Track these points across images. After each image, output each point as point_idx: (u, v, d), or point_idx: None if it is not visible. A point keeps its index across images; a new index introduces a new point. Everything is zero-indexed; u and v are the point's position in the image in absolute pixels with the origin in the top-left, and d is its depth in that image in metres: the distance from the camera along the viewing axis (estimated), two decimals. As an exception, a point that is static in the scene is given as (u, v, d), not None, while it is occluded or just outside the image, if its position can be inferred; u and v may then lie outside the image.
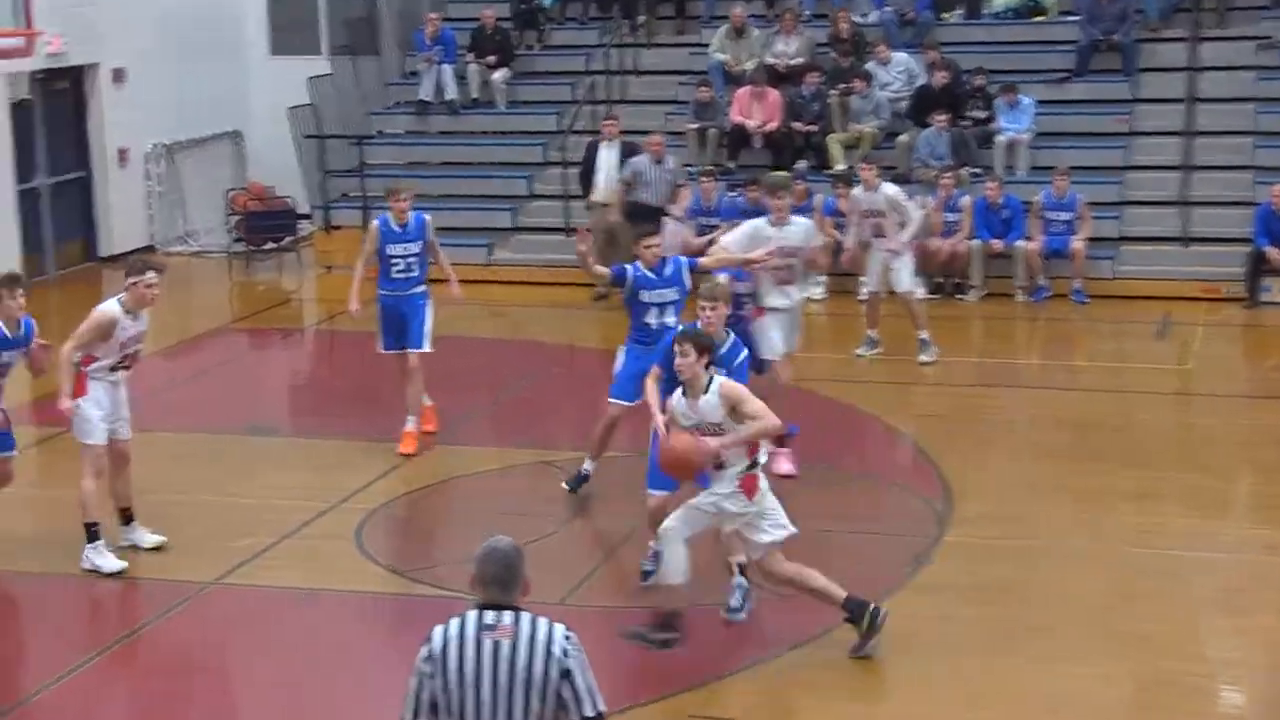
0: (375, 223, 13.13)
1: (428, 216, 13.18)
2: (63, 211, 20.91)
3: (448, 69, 21.66)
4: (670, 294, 11.36)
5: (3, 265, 19.65)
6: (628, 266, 11.41)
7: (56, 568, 10.58)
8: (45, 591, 10.43)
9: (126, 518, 10.89)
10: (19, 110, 19.80)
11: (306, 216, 21.67)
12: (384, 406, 13.56)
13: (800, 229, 12.35)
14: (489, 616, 5.63)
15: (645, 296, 11.34)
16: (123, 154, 21.58)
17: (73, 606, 10.30)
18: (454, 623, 5.65)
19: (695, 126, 19.97)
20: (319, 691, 8.96)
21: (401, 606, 10.17)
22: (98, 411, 10.44)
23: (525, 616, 5.64)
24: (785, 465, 11.98)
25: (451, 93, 21.67)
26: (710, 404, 8.85)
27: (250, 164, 23.53)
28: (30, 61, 19.57)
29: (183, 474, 12.53)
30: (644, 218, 15.98)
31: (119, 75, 21.40)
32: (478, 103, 21.91)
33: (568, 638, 5.65)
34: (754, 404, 8.81)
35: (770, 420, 8.78)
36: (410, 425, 12.92)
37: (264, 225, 21.44)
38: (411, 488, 12.26)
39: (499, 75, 21.79)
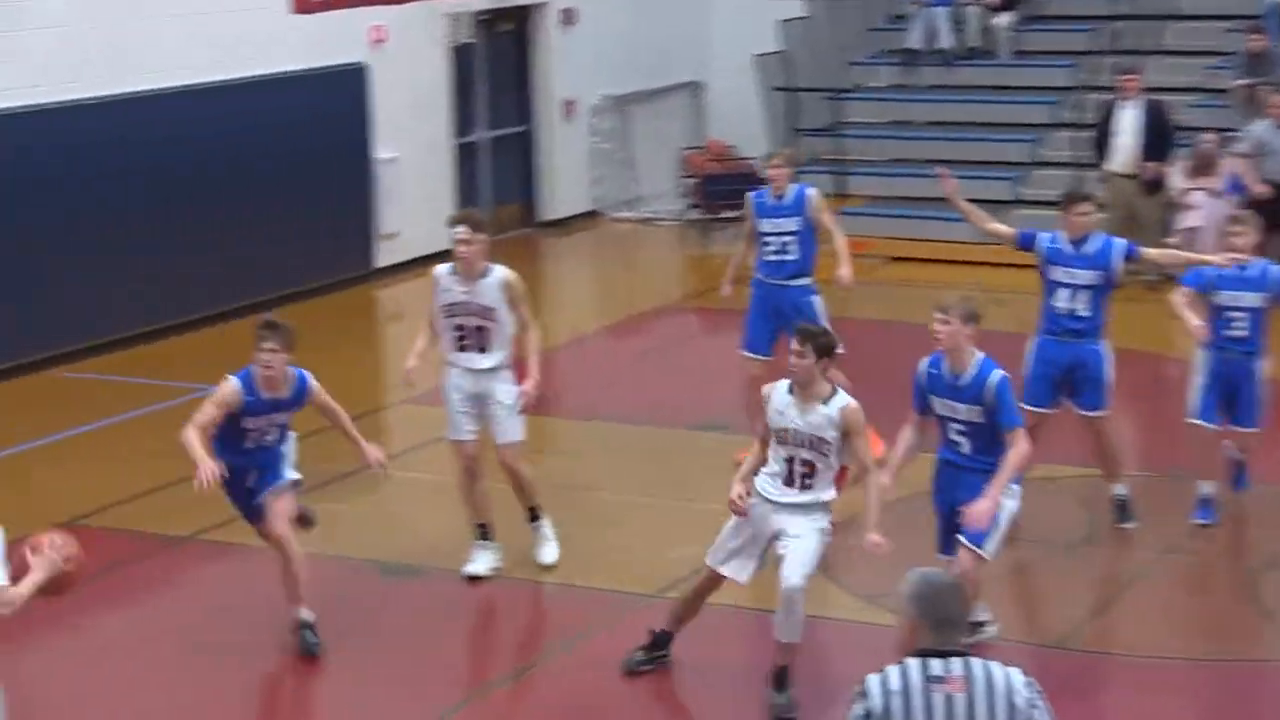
0: (750, 194, 12.74)
1: (812, 190, 12.52)
2: (501, 170, 21.55)
3: (942, 12, 21.37)
4: (1088, 277, 11.01)
5: (440, 227, 20.51)
6: (1043, 234, 11.19)
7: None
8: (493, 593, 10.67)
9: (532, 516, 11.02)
10: (460, 54, 20.48)
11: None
12: (859, 398, 13.35)
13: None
14: (935, 666, 5.39)
15: (1055, 274, 11.08)
16: (569, 106, 22.09)
17: (509, 609, 10.52)
18: (893, 674, 5.42)
19: (1244, 83, 19.06)
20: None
21: (862, 637, 9.93)
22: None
23: (976, 663, 5.41)
24: None
25: (945, 40, 21.37)
26: (825, 418, 8.74)
27: (709, 120, 23.73)
28: (474, 0, 20.25)
29: (619, 470, 12.63)
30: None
31: (568, 16, 21.89)
32: (975, 52, 21.55)
33: (1029, 684, 5.42)
34: (865, 441, 8.83)
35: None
36: None
37: (723, 190, 21.55)
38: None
39: (1004, 20, 21.37)
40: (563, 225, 21.69)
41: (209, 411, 9.42)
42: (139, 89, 16.42)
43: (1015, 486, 9.14)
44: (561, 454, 13.53)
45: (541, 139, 21.98)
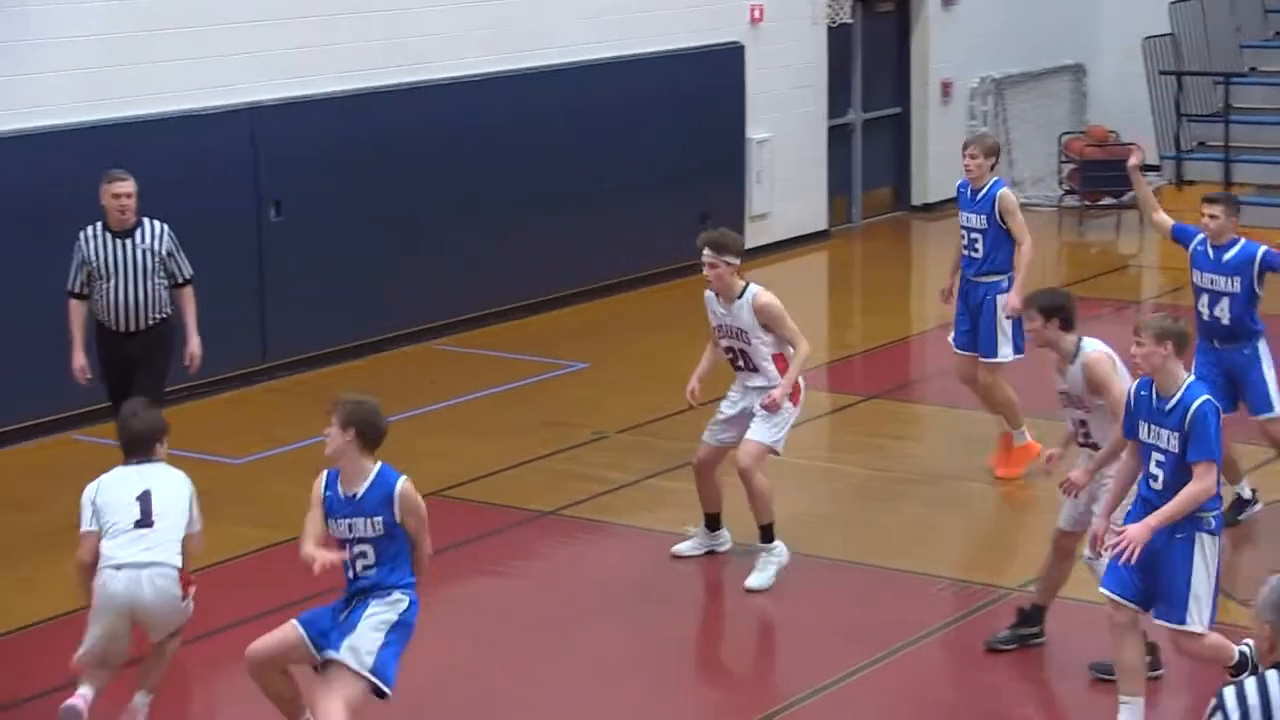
0: (957, 184, 12.41)
1: (1004, 189, 12.06)
2: (875, 152, 21.49)
3: (1344, -6, 20.61)
4: (1225, 284, 10.82)
5: (810, 209, 20.75)
6: (1198, 234, 10.96)
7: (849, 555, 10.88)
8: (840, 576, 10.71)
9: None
10: (836, 34, 20.48)
11: (1155, 168, 21.20)
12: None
13: None
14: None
15: (1197, 279, 10.95)
16: (946, 88, 21.91)
17: (863, 595, 10.53)
18: (1250, 686, 5.24)
19: None
20: None
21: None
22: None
23: None
24: None
25: (1346, 23, 20.61)
26: (1075, 376, 9.02)
27: (1091, 104, 23.29)
28: (852, -20, 20.24)
29: (965, 458, 12.55)
30: None
31: (950, -3, 21.75)
32: (1379, 36, 20.75)
33: None
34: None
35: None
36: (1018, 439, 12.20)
37: (1103, 176, 21.14)
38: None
39: None
40: (935, 209, 21.54)
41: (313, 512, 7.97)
42: (521, 66, 16.82)
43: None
44: (919, 440, 13.52)
45: (916, 121, 21.84)
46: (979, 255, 12.05)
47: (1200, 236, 11.01)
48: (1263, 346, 10.99)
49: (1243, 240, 11.02)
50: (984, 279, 12.08)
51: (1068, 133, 22.13)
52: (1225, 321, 10.89)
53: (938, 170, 21.83)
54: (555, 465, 12.67)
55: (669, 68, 18.21)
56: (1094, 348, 9.07)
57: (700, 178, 18.55)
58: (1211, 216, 10.84)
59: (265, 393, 14.56)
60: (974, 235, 12.05)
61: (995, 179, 12.14)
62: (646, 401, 13.78)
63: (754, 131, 19.15)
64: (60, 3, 13.67)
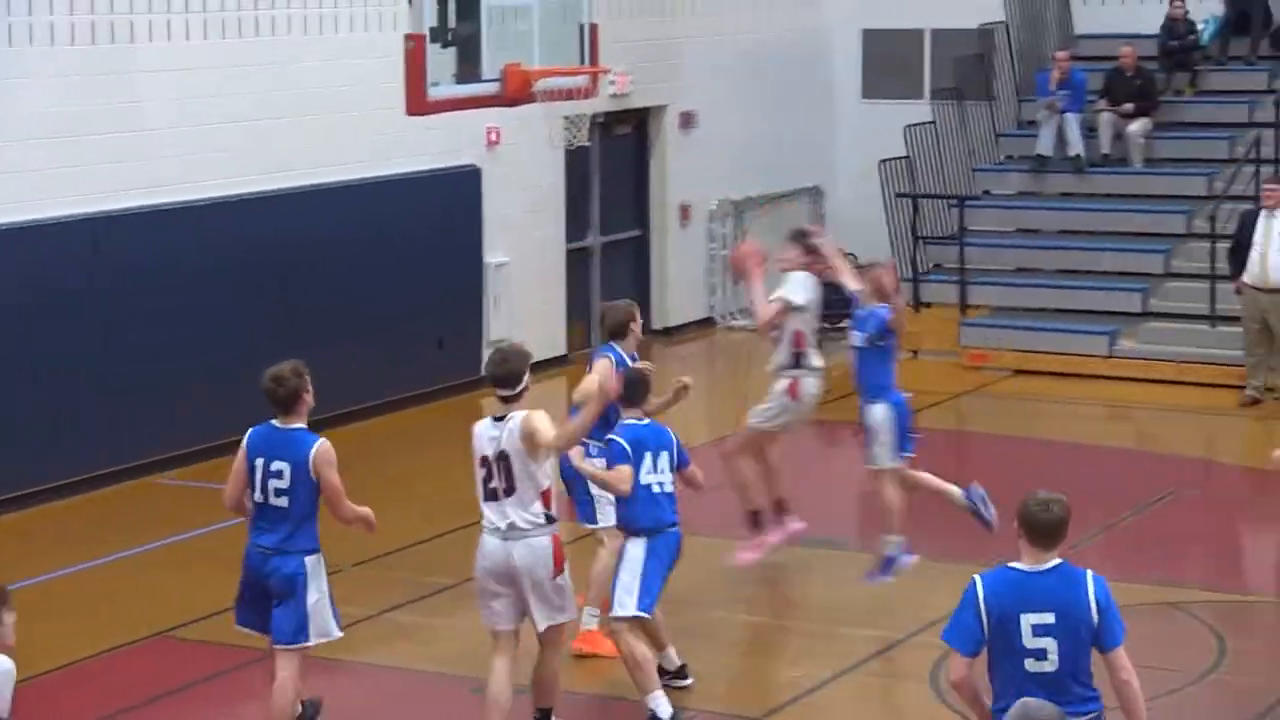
0: None
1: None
2: (614, 275, 21.65)
3: (1073, 118, 21.31)
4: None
5: (549, 334, 20.79)
6: None
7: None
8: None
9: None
10: (574, 157, 20.65)
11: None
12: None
13: None
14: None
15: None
16: (685, 210, 22.20)
17: None
18: None
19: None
20: None
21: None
22: None
23: None
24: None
25: (1077, 147, 21.31)
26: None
27: (829, 226, 23.76)
28: (592, 103, 20.39)
29: (730, 586, 12.60)
30: None
31: (687, 120, 22.05)
32: (1108, 159, 21.48)
33: None
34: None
35: None
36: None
37: (840, 299, 21.46)
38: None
39: (1137, 127, 21.28)
40: (676, 333, 21.75)
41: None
42: (253, 190, 16.67)
43: None
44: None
45: (656, 244, 22.09)
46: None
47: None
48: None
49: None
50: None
51: (807, 255, 22.47)
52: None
53: (678, 294, 22.09)
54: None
55: (405, 190, 18.19)
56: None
57: (438, 302, 18.52)
58: None
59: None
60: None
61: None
62: (382, 531, 13.60)
63: (491, 255, 19.20)
64: None
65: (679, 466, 10.39)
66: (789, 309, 12.50)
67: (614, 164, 21.66)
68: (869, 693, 11.20)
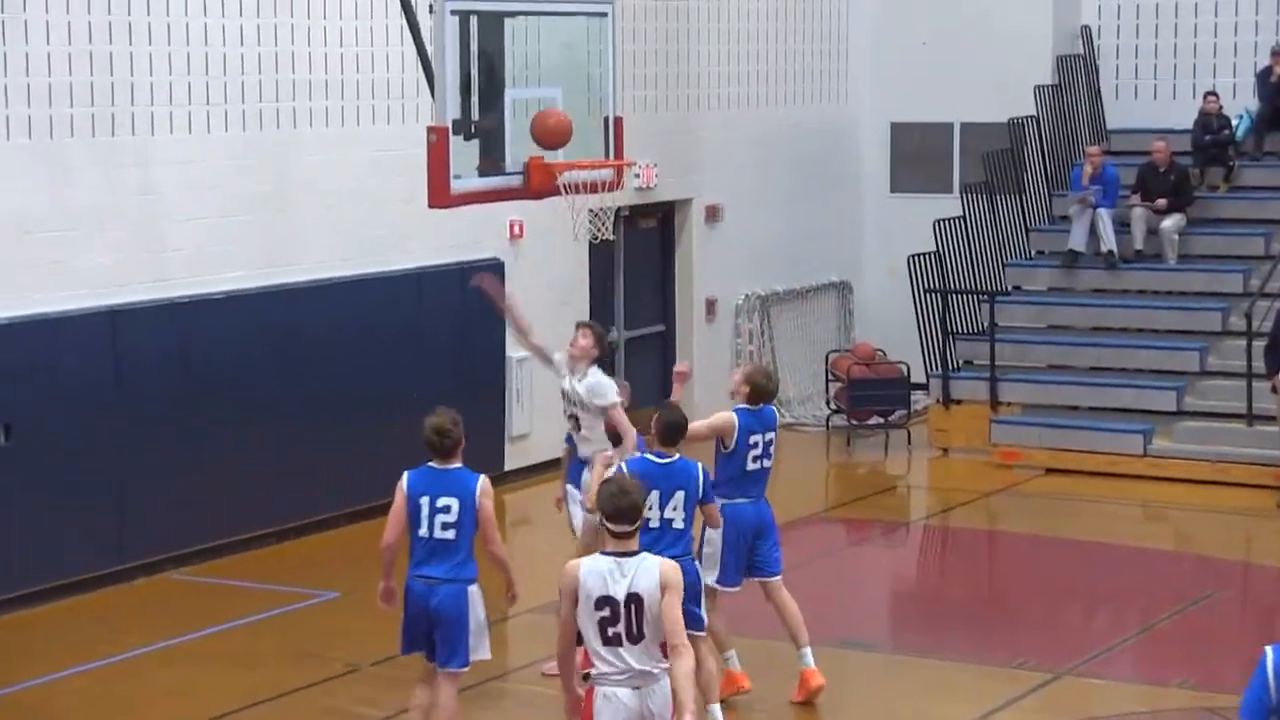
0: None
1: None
2: (639, 370, 21.59)
3: (1106, 213, 21.31)
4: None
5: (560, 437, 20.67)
6: None
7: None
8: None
9: None
10: (598, 250, 20.66)
11: (922, 386, 21.64)
12: (1008, 621, 13.19)
13: None
14: None
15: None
16: (711, 305, 22.20)
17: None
18: None
19: None
20: None
21: None
22: None
23: None
24: None
25: (1109, 243, 21.29)
26: None
27: (857, 321, 23.76)
28: (616, 196, 20.42)
29: (759, 690, 12.50)
30: None
31: (713, 213, 22.08)
32: (1142, 255, 21.45)
33: None
34: None
35: None
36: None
37: (870, 395, 21.52)
38: (1036, 728, 11.84)
39: (1170, 223, 21.27)
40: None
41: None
42: (274, 283, 16.69)
43: None
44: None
45: (681, 339, 22.06)
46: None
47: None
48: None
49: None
50: None
51: (835, 351, 22.50)
52: None
53: (704, 388, 22.02)
54: (308, 700, 12.38)
55: (427, 283, 18.20)
56: None
57: (459, 397, 18.43)
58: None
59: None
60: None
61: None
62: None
63: (514, 350, 19.18)
64: None
65: (701, 501, 11.08)
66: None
67: (639, 257, 21.67)
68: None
